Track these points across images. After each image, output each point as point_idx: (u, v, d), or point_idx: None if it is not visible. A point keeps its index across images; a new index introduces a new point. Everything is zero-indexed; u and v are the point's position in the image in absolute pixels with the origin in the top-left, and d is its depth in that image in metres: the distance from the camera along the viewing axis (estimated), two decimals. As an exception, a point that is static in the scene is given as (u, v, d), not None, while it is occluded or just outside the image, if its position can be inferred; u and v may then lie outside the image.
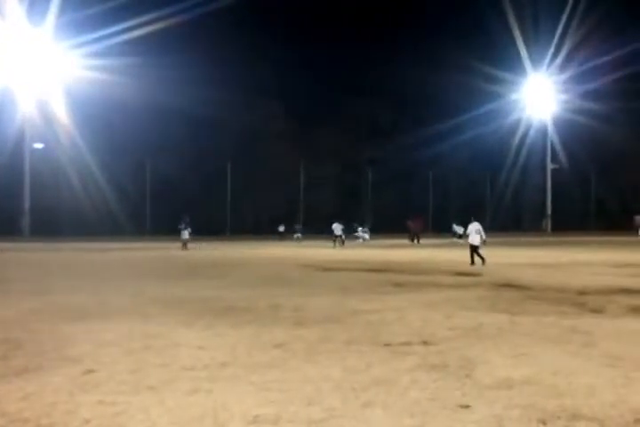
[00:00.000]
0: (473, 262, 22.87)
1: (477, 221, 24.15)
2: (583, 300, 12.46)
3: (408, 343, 8.03)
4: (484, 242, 23.51)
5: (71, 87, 56.08)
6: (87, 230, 54.83)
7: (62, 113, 57.10)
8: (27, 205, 58.61)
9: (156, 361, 7.04)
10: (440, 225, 63.25)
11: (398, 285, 15.55)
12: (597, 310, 11.03)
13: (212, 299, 12.60)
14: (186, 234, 37.49)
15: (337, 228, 45.23)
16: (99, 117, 57.42)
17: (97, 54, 54.30)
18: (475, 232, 23.48)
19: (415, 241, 48.64)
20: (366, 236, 53.17)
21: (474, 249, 23.23)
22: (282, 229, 57.28)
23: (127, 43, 53.23)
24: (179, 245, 37.34)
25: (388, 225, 60.68)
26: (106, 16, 52.45)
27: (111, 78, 54.52)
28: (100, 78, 54.73)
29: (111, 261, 26.89)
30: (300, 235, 53.88)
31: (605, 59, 66.95)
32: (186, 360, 7.08)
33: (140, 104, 57.87)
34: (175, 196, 61.95)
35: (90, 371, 6.58)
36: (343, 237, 45.30)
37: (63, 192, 60.06)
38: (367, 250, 37.18)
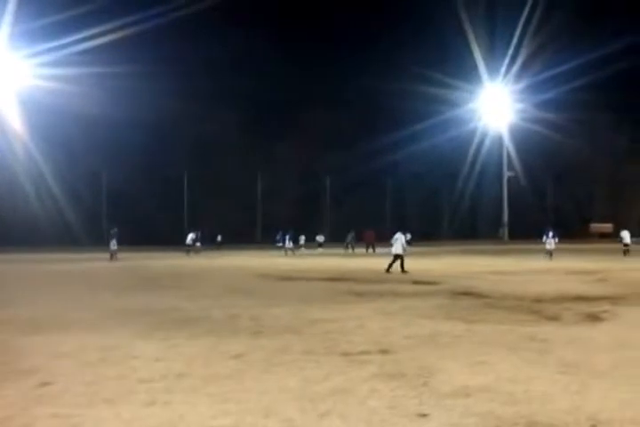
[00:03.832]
0: (389, 271, 23.33)
1: (401, 231, 24.90)
2: (539, 307, 12.60)
3: (366, 352, 8.04)
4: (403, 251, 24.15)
5: (27, 97, 55.48)
6: (43, 241, 54.08)
7: (17, 122, 56.41)
8: (-18, 215, 57.69)
9: (113, 373, 6.96)
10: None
11: (357, 294, 15.57)
12: (553, 318, 11.15)
13: (170, 310, 12.51)
14: (114, 245, 37.42)
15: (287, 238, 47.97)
16: (54, 127, 56.73)
17: (53, 64, 53.74)
18: (394, 242, 24.13)
19: (370, 250, 48.85)
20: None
21: (398, 258, 23.72)
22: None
23: (83, 53, 52.84)
24: (107, 256, 37.10)
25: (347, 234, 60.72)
26: (62, 26, 52.02)
27: (67, 88, 54.00)
28: (56, 88, 54.18)
29: (67, 273, 26.53)
30: (198, 245, 47.71)
31: (560, 69, 68.04)
32: (142, 372, 7.01)
33: (95, 114, 57.40)
34: (132, 206, 61.48)
35: (45, 383, 6.50)
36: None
37: (18, 202, 59.30)
38: (326, 259, 37.18)
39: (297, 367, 7.21)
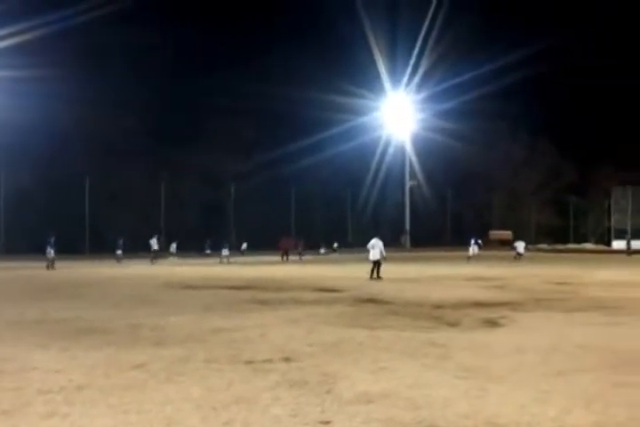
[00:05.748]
0: (372, 277, 23.81)
1: (377, 237, 25.70)
2: (440, 313, 12.89)
3: (270, 360, 8.05)
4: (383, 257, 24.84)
5: None
6: None
7: None
8: None
9: (10, 385, 6.76)
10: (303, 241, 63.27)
11: (261, 302, 15.55)
12: (453, 324, 11.42)
13: (70, 320, 12.21)
14: (52, 253, 36.28)
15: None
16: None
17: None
18: (372, 248, 24.88)
19: (284, 258, 49.02)
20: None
21: (376, 264, 24.31)
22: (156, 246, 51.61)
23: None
24: (44, 264, 35.92)
25: (252, 242, 60.68)
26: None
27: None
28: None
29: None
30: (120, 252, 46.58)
31: (459, 79, 69.82)
32: (41, 384, 6.83)
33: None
34: (31, 212, 59.66)
35: (-64, 398, 6.26)
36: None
37: None
38: (231, 268, 36.99)
39: (200, 376, 7.16)
